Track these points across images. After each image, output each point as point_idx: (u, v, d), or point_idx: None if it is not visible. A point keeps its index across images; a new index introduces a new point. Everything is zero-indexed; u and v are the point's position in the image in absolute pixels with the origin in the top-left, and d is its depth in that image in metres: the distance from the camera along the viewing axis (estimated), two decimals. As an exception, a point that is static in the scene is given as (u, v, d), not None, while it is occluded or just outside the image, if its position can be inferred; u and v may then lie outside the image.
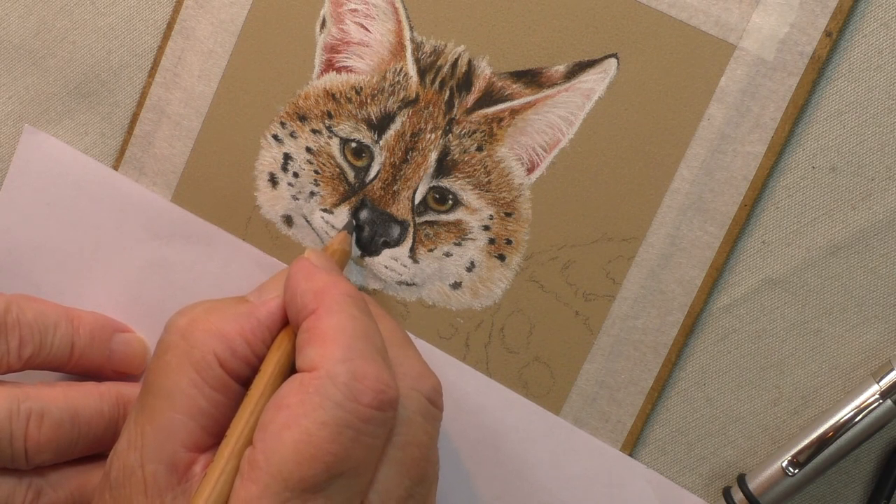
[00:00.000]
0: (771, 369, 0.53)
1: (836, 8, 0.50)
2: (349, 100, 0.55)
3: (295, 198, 0.56)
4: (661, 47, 0.52)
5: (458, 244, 0.55)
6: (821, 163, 0.52)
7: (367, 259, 0.56)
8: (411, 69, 0.54)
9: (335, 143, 0.55)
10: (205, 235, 0.57)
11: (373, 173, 0.55)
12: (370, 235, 0.55)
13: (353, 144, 0.55)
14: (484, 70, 0.54)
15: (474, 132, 0.54)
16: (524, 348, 0.55)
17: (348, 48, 0.55)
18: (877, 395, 0.51)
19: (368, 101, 0.55)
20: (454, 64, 0.54)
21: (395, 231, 0.55)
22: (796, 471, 0.51)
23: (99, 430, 0.54)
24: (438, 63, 0.54)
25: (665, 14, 0.52)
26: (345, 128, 0.55)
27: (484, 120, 0.54)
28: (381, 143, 0.55)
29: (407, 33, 0.54)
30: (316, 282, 0.48)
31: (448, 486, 0.55)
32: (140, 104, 0.58)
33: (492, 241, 0.55)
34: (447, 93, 0.54)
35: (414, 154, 0.55)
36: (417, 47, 0.54)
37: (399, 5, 0.54)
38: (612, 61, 0.53)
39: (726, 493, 0.53)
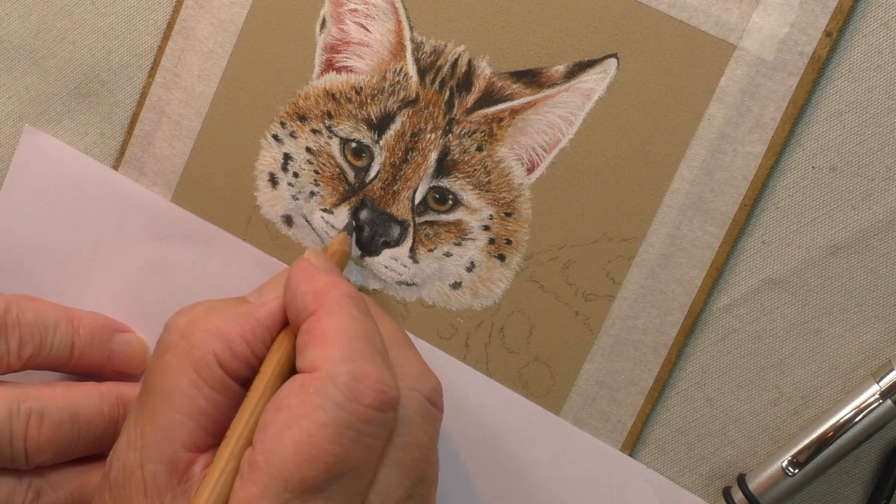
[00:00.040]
0: (771, 369, 0.53)
1: (836, 8, 0.50)
2: (349, 100, 0.55)
3: (295, 198, 0.56)
4: (661, 47, 0.52)
5: (458, 244, 0.55)
6: (821, 163, 0.52)
7: (367, 259, 0.56)
8: (411, 69, 0.54)
9: (335, 143, 0.55)
10: (205, 235, 0.57)
11: (373, 173, 0.55)
12: (370, 235, 0.55)
13: (353, 144, 0.55)
14: (484, 70, 0.54)
15: (474, 132, 0.54)
16: (524, 348, 0.55)
17: (348, 48, 0.55)
18: (877, 395, 0.51)
19: (368, 101, 0.55)
20: (454, 64, 0.54)
21: (395, 231, 0.55)
22: (796, 471, 0.51)
23: (99, 430, 0.54)
24: (438, 63, 0.54)
25: (665, 14, 0.52)
26: (345, 128, 0.55)
27: (484, 120, 0.54)
28: (381, 143, 0.55)
29: (407, 33, 0.54)
30: (316, 283, 0.48)
31: (448, 486, 0.55)
32: (140, 104, 0.58)
33: (492, 241, 0.55)
34: (447, 93, 0.54)
35: (414, 154, 0.55)
36: (417, 47, 0.54)
37: (399, 5, 0.54)
38: (612, 61, 0.53)
39: (726, 493, 0.53)
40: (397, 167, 0.55)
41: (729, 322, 0.53)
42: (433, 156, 0.54)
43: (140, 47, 0.58)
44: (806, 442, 0.51)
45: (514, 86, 0.54)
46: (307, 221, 0.56)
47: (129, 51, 0.58)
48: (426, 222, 0.55)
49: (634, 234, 0.53)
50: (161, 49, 0.57)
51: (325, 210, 0.56)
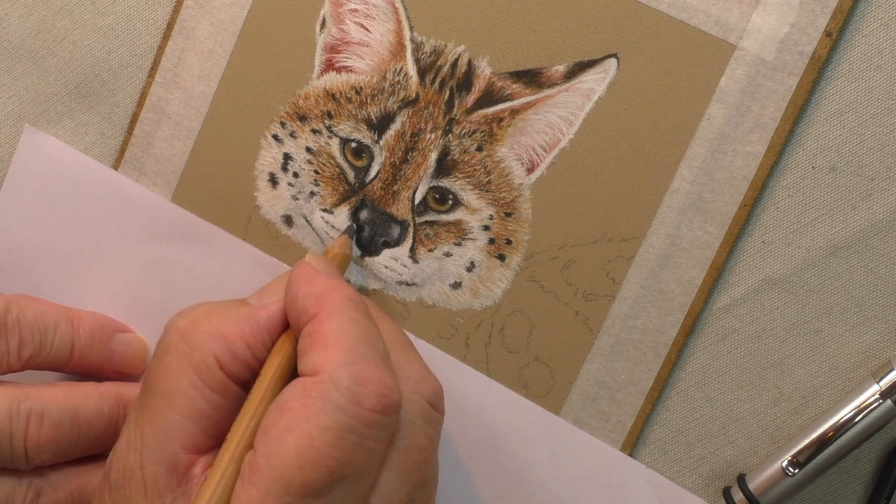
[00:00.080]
0: (771, 369, 0.53)
1: (836, 8, 0.50)
2: (349, 100, 0.55)
3: (295, 198, 0.56)
4: (661, 47, 0.52)
5: (458, 244, 0.55)
6: (821, 163, 0.52)
7: (367, 259, 0.56)
8: (411, 69, 0.54)
9: (335, 143, 0.55)
10: (205, 235, 0.57)
11: (373, 173, 0.55)
12: (370, 235, 0.55)
13: (353, 144, 0.55)
14: (484, 70, 0.54)
15: (474, 132, 0.54)
16: (524, 348, 0.55)
17: (348, 48, 0.55)
18: (877, 395, 0.51)
19: (368, 101, 0.55)
20: (454, 64, 0.54)
21: (395, 231, 0.55)
22: (796, 471, 0.51)
23: (99, 430, 0.54)
24: (438, 63, 0.54)
25: (665, 14, 0.52)
26: (345, 128, 0.55)
27: (484, 120, 0.54)
28: (381, 143, 0.55)
29: (407, 33, 0.54)
30: (317, 286, 0.48)
31: (448, 487, 0.55)
32: (140, 104, 0.58)
33: (492, 241, 0.55)
34: (447, 93, 0.54)
35: (414, 154, 0.55)
36: (417, 47, 0.54)
37: (399, 5, 0.54)
38: (612, 61, 0.53)
39: (726, 493, 0.53)
40: (397, 167, 0.55)
41: (729, 322, 0.53)
42: (433, 156, 0.54)
43: (140, 47, 0.58)
44: (806, 442, 0.51)
45: (514, 86, 0.54)
46: (307, 221, 0.56)
47: (129, 51, 0.58)
48: (426, 222, 0.55)
49: (634, 234, 0.53)
50: (161, 49, 0.57)
51: (325, 210, 0.56)
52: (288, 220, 0.57)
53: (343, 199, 0.56)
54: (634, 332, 0.54)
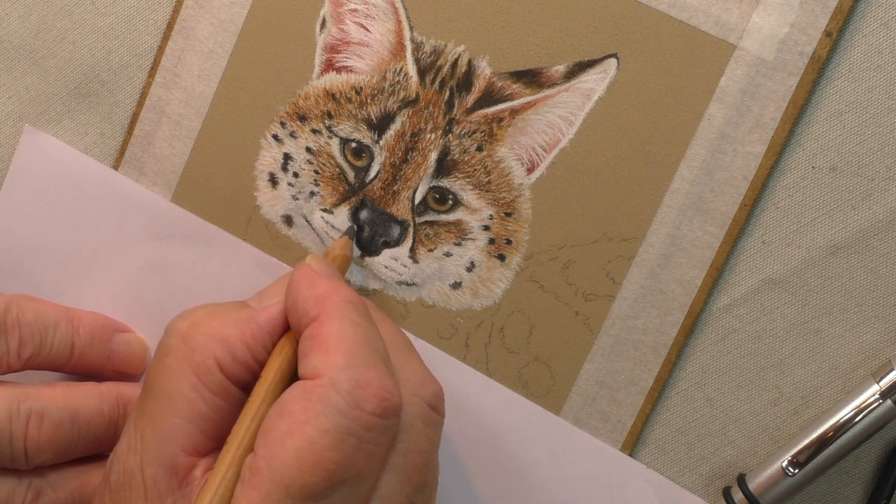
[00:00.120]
0: (771, 369, 0.53)
1: (836, 8, 0.50)
2: (349, 100, 0.55)
3: (295, 198, 0.56)
4: (661, 47, 0.52)
5: (458, 244, 0.55)
6: (821, 163, 0.52)
7: (367, 259, 0.56)
8: (411, 69, 0.54)
9: (335, 143, 0.55)
10: (205, 235, 0.57)
11: (373, 173, 0.55)
12: (370, 235, 0.55)
13: (353, 144, 0.55)
14: (484, 70, 0.54)
15: (474, 132, 0.54)
16: (524, 348, 0.55)
17: (348, 48, 0.55)
18: (877, 395, 0.51)
19: (368, 101, 0.55)
20: (454, 64, 0.54)
21: (395, 231, 0.55)
22: (796, 471, 0.51)
23: (99, 430, 0.54)
24: (438, 63, 0.54)
25: (665, 14, 0.52)
26: (345, 128, 0.55)
27: (484, 120, 0.54)
28: (381, 143, 0.55)
29: (407, 33, 0.54)
30: (317, 288, 0.48)
31: (448, 487, 0.55)
32: (140, 104, 0.58)
33: (492, 241, 0.55)
34: (447, 93, 0.54)
35: (414, 154, 0.54)
36: (417, 47, 0.54)
37: (399, 5, 0.54)
38: (612, 61, 0.53)
39: (726, 493, 0.53)
40: (397, 167, 0.55)
41: (729, 322, 0.53)
42: (433, 156, 0.54)
43: (140, 47, 0.58)
44: (806, 442, 0.51)
45: (514, 86, 0.54)
46: (307, 221, 0.56)
47: (129, 51, 0.58)
48: (426, 222, 0.55)
49: (634, 234, 0.53)
50: (161, 49, 0.57)
51: (325, 210, 0.56)
52: (288, 220, 0.57)
53: (343, 199, 0.56)
54: (634, 332, 0.54)
